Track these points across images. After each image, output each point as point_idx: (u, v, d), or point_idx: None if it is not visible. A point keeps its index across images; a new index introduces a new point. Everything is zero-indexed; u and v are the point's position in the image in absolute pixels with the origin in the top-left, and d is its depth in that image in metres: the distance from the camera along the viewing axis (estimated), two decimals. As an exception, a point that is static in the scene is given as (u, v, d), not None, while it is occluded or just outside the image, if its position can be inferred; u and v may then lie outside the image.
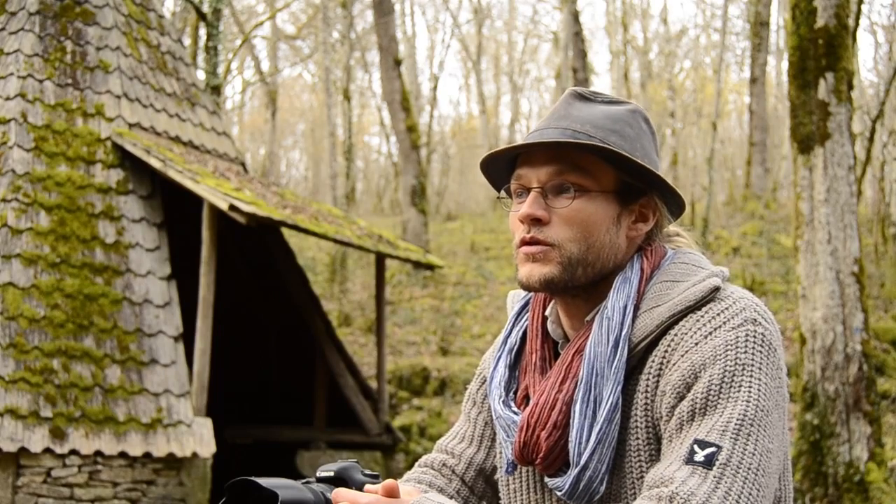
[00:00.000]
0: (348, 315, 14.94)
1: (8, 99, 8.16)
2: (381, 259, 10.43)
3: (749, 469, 1.22)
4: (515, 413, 1.44)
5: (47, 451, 6.99)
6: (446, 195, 29.65)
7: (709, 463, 1.21)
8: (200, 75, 14.87)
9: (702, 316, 1.33)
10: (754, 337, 1.30)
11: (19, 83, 8.21)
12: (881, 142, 16.10)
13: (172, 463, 7.56)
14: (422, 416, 11.99)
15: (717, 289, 1.36)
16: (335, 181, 19.24)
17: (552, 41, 30.37)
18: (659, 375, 1.33)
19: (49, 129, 8.19)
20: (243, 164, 10.37)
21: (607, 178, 1.41)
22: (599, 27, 48.06)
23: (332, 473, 1.34)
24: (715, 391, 1.26)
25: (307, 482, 1.32)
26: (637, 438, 1.34)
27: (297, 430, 10.25)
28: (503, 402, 1.47)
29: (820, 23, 7.41)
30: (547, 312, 1.51)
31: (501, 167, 1.50)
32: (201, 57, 18.39)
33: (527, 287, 1.43)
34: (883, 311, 12.58)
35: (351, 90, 25.73)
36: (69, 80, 8.52)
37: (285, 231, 10.15)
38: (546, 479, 1.41)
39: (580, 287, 1.42)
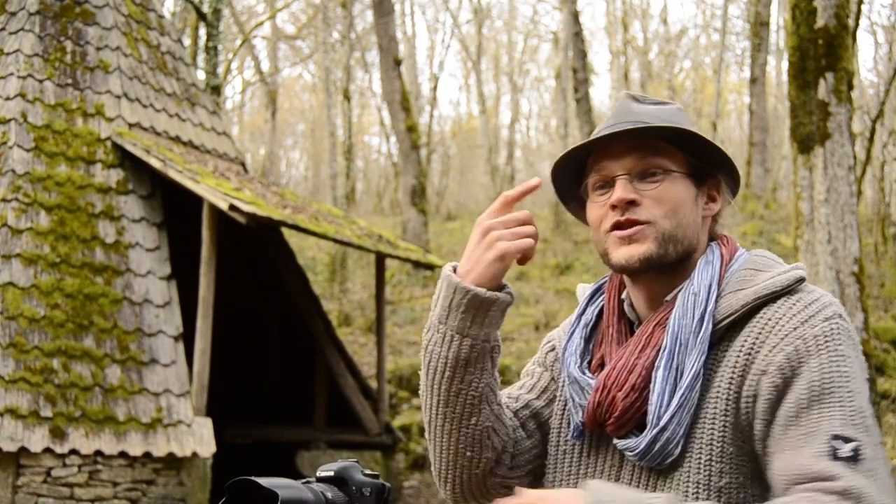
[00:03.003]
0: (348, 315, 14.95)
1: (8, 99, 8.16)
2: (381, 259, 10.43)
3: (881, 458, 1.31)
4: (591, 377, 1.50)
5: (47, 450, 6.99)
6: (446, 195, 29.64)
7: (855, 458, 1.28)
8: (200, 75, 14.87)
9: (795, 302, 1.40)
10: (846, 331, 1.38)
11: (19, 83, 8.21)
12: (881, 142, 16.11)
13: (172, 463, 7.56)
14: (422, 416, 11.98)
15: (802, 279, 1.44)
16: (335, 181, 19.24)
17: (552, 41, 30.38)
18: (751, 353, 1.39)
19: (49, 129, 8.19)
20: (243, 164, 10.37)
21: (680, 162, 1.50)
22: (599, 27, 48.08)
23: (332, 473, 1.34)
24: (828, 379, 1.33)
25: (307, 482, 1.32)
26: (715, 408, 1.39)
27: (297, 430, 10.24)
28: (578, 367, 1.54)
29: (820, 23, 7.41)
30: (623, 296, 1.58)
31: (568, 174, 1.57)
32: (201, 57, 18.39)
33: (625, 268, 1.48)
34: (883, 311, 12.58)
35: (351, 90, 25.73)
36: (69, 80, 8.52)
37: (285, 231, 10.15)
38: (616, 441, 1.46)
39: (668, 265, 1.48)
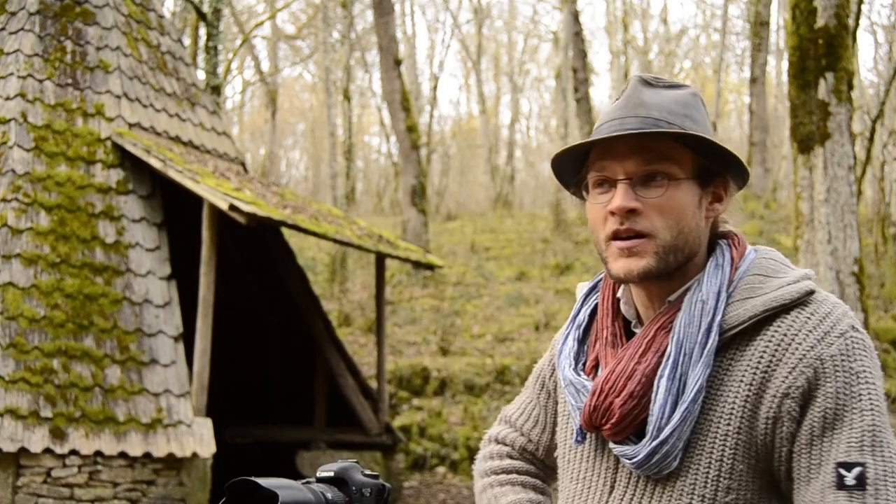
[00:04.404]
0: (348, 315, 14.94)
1: (8, 99, 8.16)
2: (381, 259, 10.43)
3: (893, 474, 1.29)
4: (587, 379, 1.47)
5: (47, 451, 6.99)
6: (446, 195, 29.64)
7: (861, 484, 1.28)
8: (200, 75, 14.87)
9: (810, 316, 1.37)
10: (861, 342, 1.36)
11: (19, 83, 8.20)
12: (881, 142, 16.12)
13: (172, 463, 7.56)
14: (422, 416, 11.98)
15: (812, 292, 1.40)
16: (335, 181, 19.25)
17: (552, 41, 30.37)
18: (767, 371, 1.35)
19: (49, 129, 8.19)
20: (243, 164, 10.37)
21: (688, 163, 1.43)
22: (599, 27, 48.12)
23: (332, 473, 1.34)
24: (841, 404, 1.31)
25: (307, 482, 1.32)
26: (728, 425, 1.36)
27: (297, 430, 10.24)
28: (573, 369, 1.51)
29: (820, 23, 7.40)
30: (619, 294, 1.54)
31: (569, 161, 1.50)
32: (201, 57, 18.39)
33: (625, 281, 1.45)
34: (883, 311, 12.59)
35: (351, 90, 25.74)
36: (69, 80, 8.52)
37: (285, 231, 10.15)
38: (612, 446, 1.43)
39: (671, 272, 1.44)
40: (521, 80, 33.16)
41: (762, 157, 20.99)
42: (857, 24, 9.59)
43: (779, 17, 23.92)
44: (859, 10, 9.80)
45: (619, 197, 1.39)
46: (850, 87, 7.50)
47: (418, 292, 16.18)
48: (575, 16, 20.94)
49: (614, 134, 1.40)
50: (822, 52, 7.40)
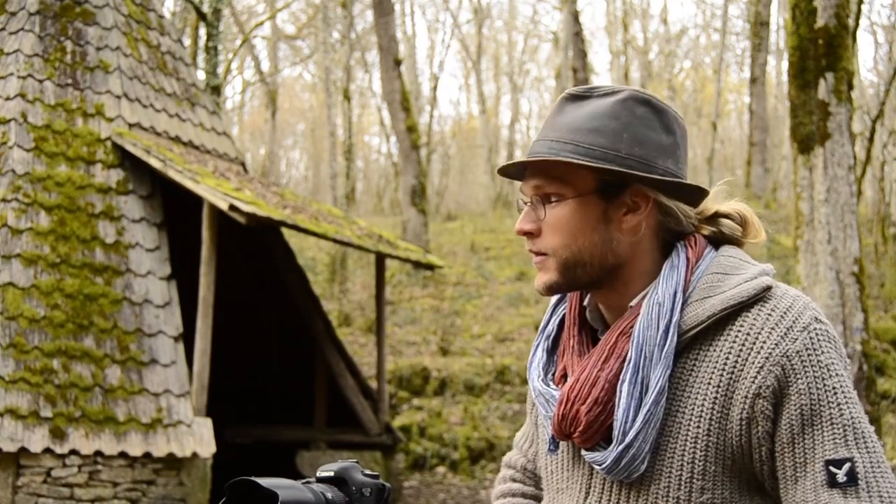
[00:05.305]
0: (348, 315, 14.94)
1: (8, 99, 8.16)
2: (381, 259, 10.43)
3: (881, 463, 1.32)
4: (555, 389, 1.49)
5: (47, 451, 6.99)
6: (446, 195, 29.65)
7: (853, 479, 1.30)
8: (200, 75, 14.88)
9: (771, 311, 1.37)
10: (825, 334, 1.36)
11: (19, 83, 8.20)
12: (881, 142, 16.14)
13: (172, 463, 7.56)
14: (422, 416, 11.99)
15: (770, 287, 1.40)
16: (335, 181, 19.25)
17: (552, 41, 30.38)
18: (734, 372, 1.36)
19: (49, 129, 8.19)
20: (243, 164, 10.37)
21: (585, 181, 1.43)
22: (599, 27, 48.14)
23: (332, 473, 1.34)
24: (815, 399, 1.33)
25: (307, 482, 1.32)
26: (698, 427, 1.37)
27: (297, 430, 10.24)
28: (542, 380, 1.54)
29: (820, 23, 7.40)
30: (585, 303, 1.56)
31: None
32: (201, 57, 18.39)
33: (540, 293, 1.51)
34: (883, 311, 12.59)
35: (351, 90, 25.74)
36: (69, 80, 8.52)
37: (285, 231, 10.15)
38: (584, 453, 1.45)
39: (592, 283, 1.47)
40: (521, 80, 33.18)
41: (762, 157, 21.01)
42: (857, 24, 9.58)
43: (779, 17, 23.93)
44: (859, 10, 9.80)
45: (519, 220, 1.50)
46: (850, 87, 7.50)
47: (418, 292, 16.18)
48: (575, 16, 20.95)
49: (502, 165, 1.51)
50: (822, 52, 7.40)
